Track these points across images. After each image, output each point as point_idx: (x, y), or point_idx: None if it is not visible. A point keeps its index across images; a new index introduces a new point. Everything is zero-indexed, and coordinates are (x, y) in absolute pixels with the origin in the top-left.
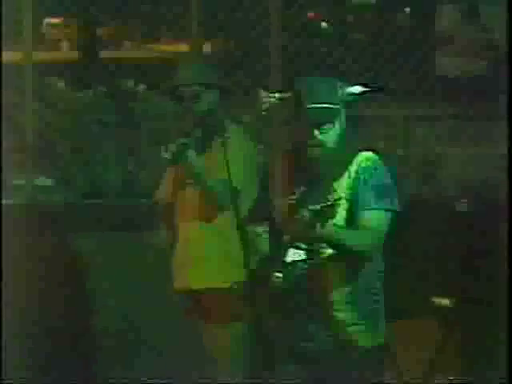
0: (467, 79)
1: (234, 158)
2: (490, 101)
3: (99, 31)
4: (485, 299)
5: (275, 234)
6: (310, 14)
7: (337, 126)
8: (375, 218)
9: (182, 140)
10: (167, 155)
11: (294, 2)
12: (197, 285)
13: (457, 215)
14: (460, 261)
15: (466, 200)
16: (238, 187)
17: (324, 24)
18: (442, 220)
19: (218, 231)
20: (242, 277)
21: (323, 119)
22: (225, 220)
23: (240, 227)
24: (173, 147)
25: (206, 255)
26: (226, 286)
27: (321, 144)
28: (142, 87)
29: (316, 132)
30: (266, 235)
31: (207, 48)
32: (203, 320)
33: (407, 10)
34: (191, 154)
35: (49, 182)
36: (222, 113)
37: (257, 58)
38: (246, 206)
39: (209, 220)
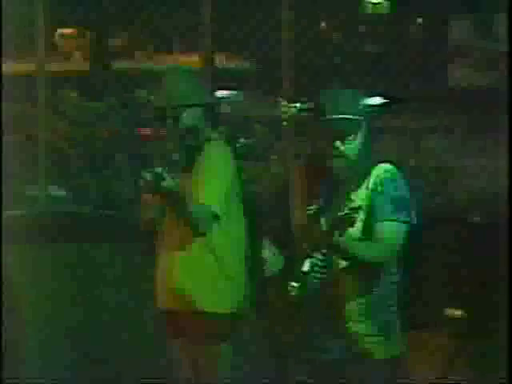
0: (479, 91)
1: (213, 180)
2: (503, 113)
3: (111, 42)
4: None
5: (292, 245)
6: (322, 26)
7: (358, 137)
8: (392, 229)
9: (156, 169)
10: (142, 183)
11: (306, 14)
12: (175, 307)
13: (468, 226)
14: (470, 272)
15: (478, 212)
16: (217, 211)
17: (336, 35)
18: (454, 231)
19: (198, 257)
20: (229, 300)
21: (345, 131)
22: (205, 245)
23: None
24: (147, 176)
25: (182, 282)
26: (209, 310)
27: (342, 156)
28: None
29: (338, 143)
30: (272, 248)
31: (220, 60)
32: (186, 340)
33: (419, 21)
34: (167, 183)
35: (62, 192)
36: (208, 127)
37: (269, 70)
38: (234, 224)
39: (188, 245)
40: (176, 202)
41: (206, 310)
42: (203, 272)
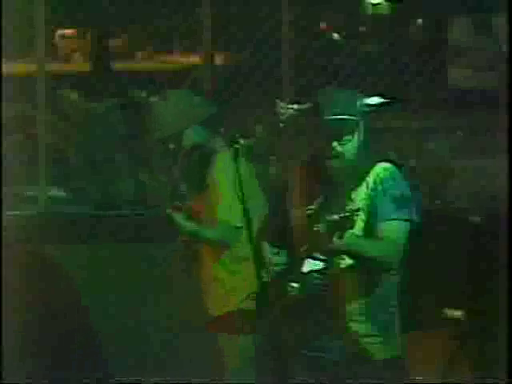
0: (479, 91)
1: (225, 192)
2: (502, 113)
3: (111, 43)
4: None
5: (292, 245)
6: (322, 26)
7: (356, 137)
8: (394, 228)
9: (168, 211)
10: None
11: (306, 14)
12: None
13: (469, 227)
14: (470, 273)
15: (478, 212)
16: (238, 223)
17: (336, 36)
18: (453, 231)
19: (227, 265)
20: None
21: (343, 131)
22: (233, 252)
23: (254, 250)
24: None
25: (219, 289)
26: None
27: (340, 155)
28: (154, 99)
29: (335, 144)
30: (275, 249)
31: (219, 60)
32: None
33: (419, 22)
34: (178, 219)
35: (62, 193)
36: (210, 140)
37: (269, 70)
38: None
39: (217, 259)
40: (195, 236)
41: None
42: (225, 277)
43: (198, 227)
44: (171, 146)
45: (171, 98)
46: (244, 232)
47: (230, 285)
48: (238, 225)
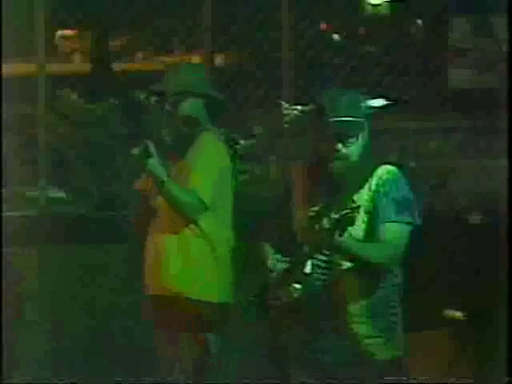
0: (479, 91)
1: (204, 168)
2: (502, 113)
3: (112, 43)
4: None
5: (294, 246)
6: (323, 26)
7: (360, 139)
8: (395, 230)
9: (145, 145)
10: (132, 159)
11: (306, 14)
12: (162, 294)
13: (469, 227)
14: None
15: (478, 212)
16: (205, 199)
17: (336, 36)
18: (454, 232)
19: (186, 244)
20: (216, 289)
21: (347, 132)
22: (194, 232)
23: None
24: (135, 151)
25: (173, 267)
26: (195, 297)
27: (344, 157)
28: (154, 99)
29: (340, 145)
30: (271, 250)
31: (219, 60)
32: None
33: (419, 22)
34: (153, 161)
35: (62, 193)
36: (205, 122)
37: (269, 71)
38: (216, 217)
39: (176, 231)
40: (162, 184)
41: (192, 297)
42: (190, 259)
43: (169, 179)
44: (167, 107)
45: (191, 63)
46: (211, 215)
47: (183, 265)
48: (203, 199)
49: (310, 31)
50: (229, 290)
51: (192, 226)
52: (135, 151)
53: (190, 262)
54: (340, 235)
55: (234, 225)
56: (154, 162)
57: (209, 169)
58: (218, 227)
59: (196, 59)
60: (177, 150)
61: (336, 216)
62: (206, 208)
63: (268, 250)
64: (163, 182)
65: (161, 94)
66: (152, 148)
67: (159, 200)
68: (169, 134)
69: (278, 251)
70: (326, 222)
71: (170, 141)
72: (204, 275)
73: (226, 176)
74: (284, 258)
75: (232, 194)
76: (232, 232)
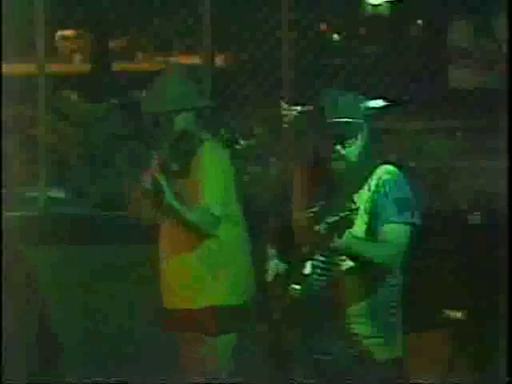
0: (479, 91)
1: (212, 182)
2: (502, 113)
3: (111, 44)
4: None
5: (294, 247)
6: (323, 27)
7: (359, 140)
8: (396, 231)
9: (156, 174)
10: (146, 187)
11: (306, 14)
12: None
13: (469, 227)
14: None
15: (478, 212)
16: (218, 212)
17: (336, 37)
18: (454, 232)
19: (205, 257)
20: (229, 294)
21: (346, 133)
22: (212, 243)
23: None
24: (147, 186)
25: (192, 283)
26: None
27: (344, 158)
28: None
29: (339, 146)
30: (277, 250)
31: (219, 60)
32: (190, 332)
33: (419, 22)
34: (168, 195)
35: (62, 193)
36: (199, 130)
37: (269, 71)
38: (232, 224)
39: (192, 249)
40: (177, 213)
41: (202, 305)
42: (208, 267)
43: (180, 204)
44: (160, 127)
45: (175, 73)
46: (224, 225)
47: (204, 277)
48: (216, 213)
49: (309, 31)
50: (240, 294)
51: (204, 239)
52: (147, 186)
53: (208, 269)
54: (339, 237)
55: (244, 224)
56: (169, 196)
57: (216, 181)
58: (227, 234)
59: (196, 59)
60: (178, 166)
61: (335, 217)
62: (220, 222)
63: (267, 250)
64: (179, 210)
65: (153, 114)
66: (163, 180)
67: (166, 220)
68: (167, 151)
69: (277, 252)
70: (325, 223)
71: (169, 158)
72: (222, 280)
73: (231, 183)
74: (283, 259)
75: (239, 194)
76: (243, 232)
